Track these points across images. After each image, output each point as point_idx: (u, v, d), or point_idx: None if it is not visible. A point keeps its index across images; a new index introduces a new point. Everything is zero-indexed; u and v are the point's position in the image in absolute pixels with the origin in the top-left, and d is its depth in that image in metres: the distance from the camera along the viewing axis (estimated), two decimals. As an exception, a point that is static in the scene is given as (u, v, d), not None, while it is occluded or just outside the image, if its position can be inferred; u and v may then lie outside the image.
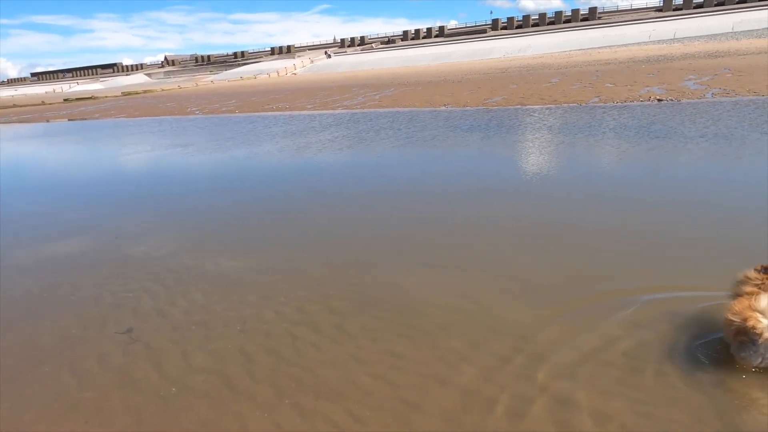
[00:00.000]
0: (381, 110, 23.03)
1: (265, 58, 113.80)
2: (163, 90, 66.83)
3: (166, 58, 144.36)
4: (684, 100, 16.78)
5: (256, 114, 26.89)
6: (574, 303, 4.06)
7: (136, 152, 16.39)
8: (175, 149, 16.04)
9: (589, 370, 3.23)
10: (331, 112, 24.78)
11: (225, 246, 6.16)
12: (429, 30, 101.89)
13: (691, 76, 23.22)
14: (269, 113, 26.73)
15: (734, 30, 53.10)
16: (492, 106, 20.38)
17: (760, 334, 2.81)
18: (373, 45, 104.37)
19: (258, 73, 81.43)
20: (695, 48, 43.09)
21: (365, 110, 23.74)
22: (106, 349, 3.97)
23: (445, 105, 22.35)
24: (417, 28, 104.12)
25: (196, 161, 13.44)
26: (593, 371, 3.22)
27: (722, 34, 52.05)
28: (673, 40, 53.33)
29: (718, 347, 3.25)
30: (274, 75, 77.24)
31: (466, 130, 14.41)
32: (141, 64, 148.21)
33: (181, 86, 72.18)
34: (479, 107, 20.55)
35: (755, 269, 3.27)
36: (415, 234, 6.11)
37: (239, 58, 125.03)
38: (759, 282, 3.17)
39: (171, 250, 6.13)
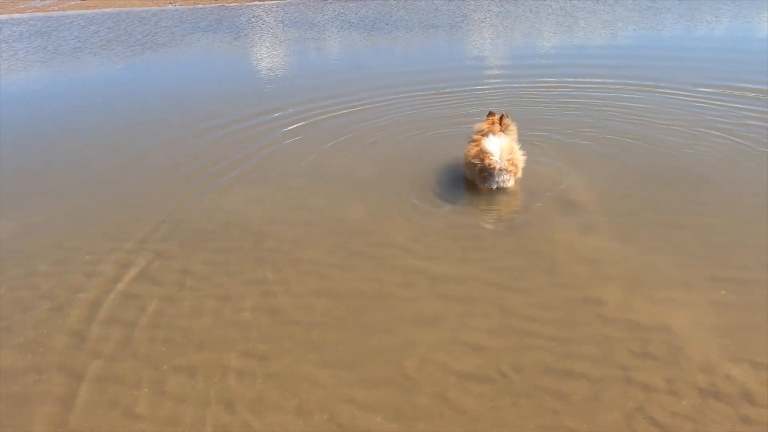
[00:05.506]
0: (92, 12, 18.84)
1: None
2: None
3: None
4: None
5: None
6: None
7: None
8: None
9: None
10: (17, 16, 19.13)
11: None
12: None
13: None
14: None
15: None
16: (230, 3, 18.83)
17: (495, 168, 4.06)
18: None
19: None
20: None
21: (68, 12, 19.07)
22: None
23: (172, 3, 19.56)
24: None
25: None
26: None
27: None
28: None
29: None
30: None
31: (209, 31, 13.06)
32: None
33: None
34: (213, 4, 18.74)
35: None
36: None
37: None
38: (486, 129, 4.40)
39: None
